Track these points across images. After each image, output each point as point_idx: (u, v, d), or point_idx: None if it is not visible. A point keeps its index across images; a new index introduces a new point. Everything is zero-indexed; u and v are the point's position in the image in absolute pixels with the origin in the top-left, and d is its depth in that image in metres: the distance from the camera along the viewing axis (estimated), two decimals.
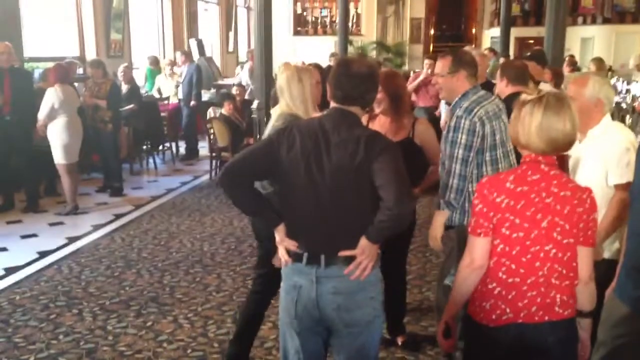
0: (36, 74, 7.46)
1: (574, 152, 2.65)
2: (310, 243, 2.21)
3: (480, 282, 2.09)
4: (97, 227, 6.01)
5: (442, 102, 7.24)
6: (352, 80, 2.19)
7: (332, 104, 2.26)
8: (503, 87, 4.21)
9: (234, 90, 8.75)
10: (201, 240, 5.63)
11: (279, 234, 2.28)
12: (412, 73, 10.27)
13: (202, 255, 5.22)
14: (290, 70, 3.03)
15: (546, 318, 2.05)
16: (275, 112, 3.08)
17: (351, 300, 2.19)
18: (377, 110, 3.40)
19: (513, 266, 2.04)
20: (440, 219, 3.12)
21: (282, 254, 2.30)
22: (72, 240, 5.62)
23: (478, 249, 2.07)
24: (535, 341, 2.05)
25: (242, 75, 10.75)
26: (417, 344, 3.63)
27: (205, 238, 5.69)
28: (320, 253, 2.19)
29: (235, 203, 2.31)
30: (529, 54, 5.82)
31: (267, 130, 3.05)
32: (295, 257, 2.24)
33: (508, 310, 2.06)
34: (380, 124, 3.43)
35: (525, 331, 2.05)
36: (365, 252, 2.15)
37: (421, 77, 8.05)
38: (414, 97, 8.04)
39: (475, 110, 2.99)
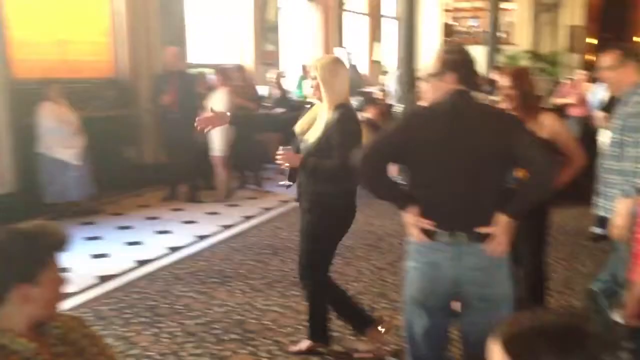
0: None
1: None
2: (448, 221, 2.29)
3: None
4: (247, 218, 6.49)
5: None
6: (472, 64, 2.36)
7: (453, 87, 2.34)
8: None
9: (376, 95, 8.95)
10: None
11: (411, 215, 2.36)
12: (563, 81, 9.87)
13: (342, 249, 5.40)
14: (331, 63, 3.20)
15: None
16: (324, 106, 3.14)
17: (490, 275, 2.26)
18: (507, 107, 3.40)
19: None
20: (625, 206, 3.03)
21: (415, 233, 2.37)
22: (225, 227, 6.12)
23: None
24: None
25: (390, 82, 11.00)
26: None
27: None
28: (459, 230, 2.27)
29: (368, 186, 2.44)
30: None
31: (323, 122, 3.12)
32: (432, 235, 2.32)
33: None
34: None
35: None
36: (503, 228, 2.21)
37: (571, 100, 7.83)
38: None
39: None
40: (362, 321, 3.51)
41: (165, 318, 3.93)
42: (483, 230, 2.23)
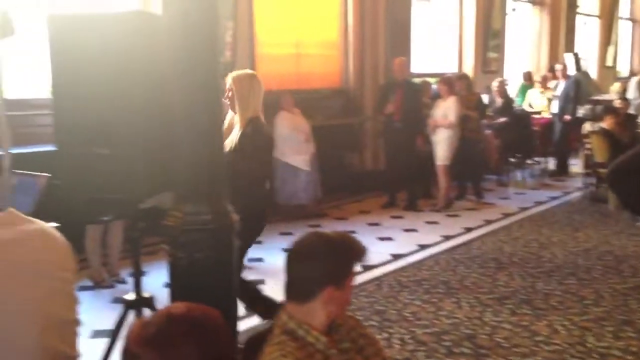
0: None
1: None
2: None
3: None
4: (468, 230, 6.33)
5: None
6: None
7: None
8: None
9: (617, 104, 8.19)
10: (574, 254, 5.44)
11: None
12: None
13: (576, 269, 5.04)
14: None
15: None
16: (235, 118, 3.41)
17: None
18: None
19: None
20: None
21: None
22: (446, 238, 6.04)
23: None
24: None
25: (630, 89, 10.09)
26: None
27: (578, 252, 5.47)
28: None
29: (623, 199, 2.31)
30: None
31: (236, 134, 3.36)
32: None
33: None
34: None
35: None
36: None
37: None
38: None
39: None
40: (270, 308, 3.28)
41: (395, 324, 3.97)
42: None
